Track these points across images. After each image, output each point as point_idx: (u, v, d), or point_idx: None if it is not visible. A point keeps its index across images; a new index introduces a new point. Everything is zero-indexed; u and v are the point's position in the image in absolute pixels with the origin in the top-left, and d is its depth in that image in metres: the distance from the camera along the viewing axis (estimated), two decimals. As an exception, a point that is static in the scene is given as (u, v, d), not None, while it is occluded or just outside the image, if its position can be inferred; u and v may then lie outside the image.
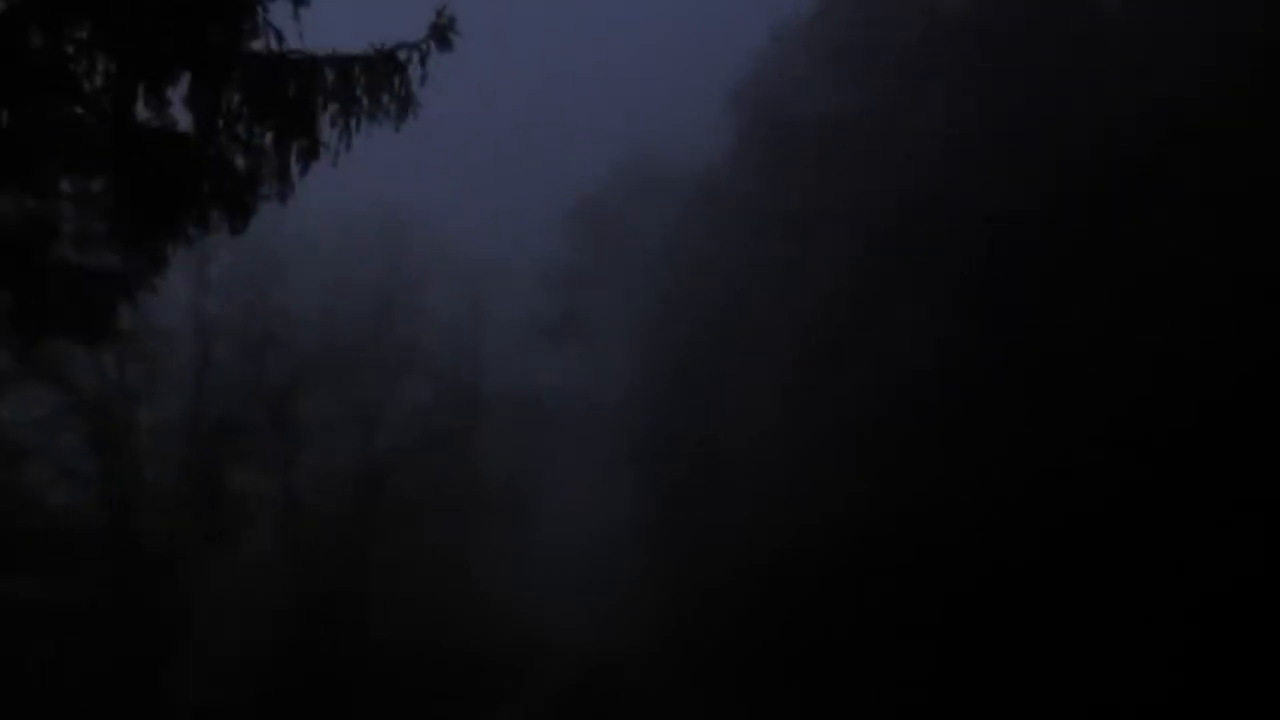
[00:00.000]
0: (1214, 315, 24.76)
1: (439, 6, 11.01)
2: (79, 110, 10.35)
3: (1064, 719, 25.92)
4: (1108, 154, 26.95)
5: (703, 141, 38.36)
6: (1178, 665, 24.19)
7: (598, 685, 35.99)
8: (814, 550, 29.71)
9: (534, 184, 43.96)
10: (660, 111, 41.37)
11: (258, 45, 10.52)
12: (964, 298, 29.05)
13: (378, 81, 10.76)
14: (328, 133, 10.77)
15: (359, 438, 38.71)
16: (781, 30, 37.13)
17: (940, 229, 29.73)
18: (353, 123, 10.74)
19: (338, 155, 10.88)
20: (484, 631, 36.22)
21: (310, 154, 10.77)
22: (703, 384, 37.00)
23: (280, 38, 10.59)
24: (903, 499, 28.03)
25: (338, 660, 35.17)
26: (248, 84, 10.48)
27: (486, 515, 38.77)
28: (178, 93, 10.43)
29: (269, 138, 10.63)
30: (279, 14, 10.63)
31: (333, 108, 10.70)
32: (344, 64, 10.79)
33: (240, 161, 10.70)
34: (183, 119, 10.61)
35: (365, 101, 10.75)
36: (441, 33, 10.96)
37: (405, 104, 10.88)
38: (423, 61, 10.89)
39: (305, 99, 10.63)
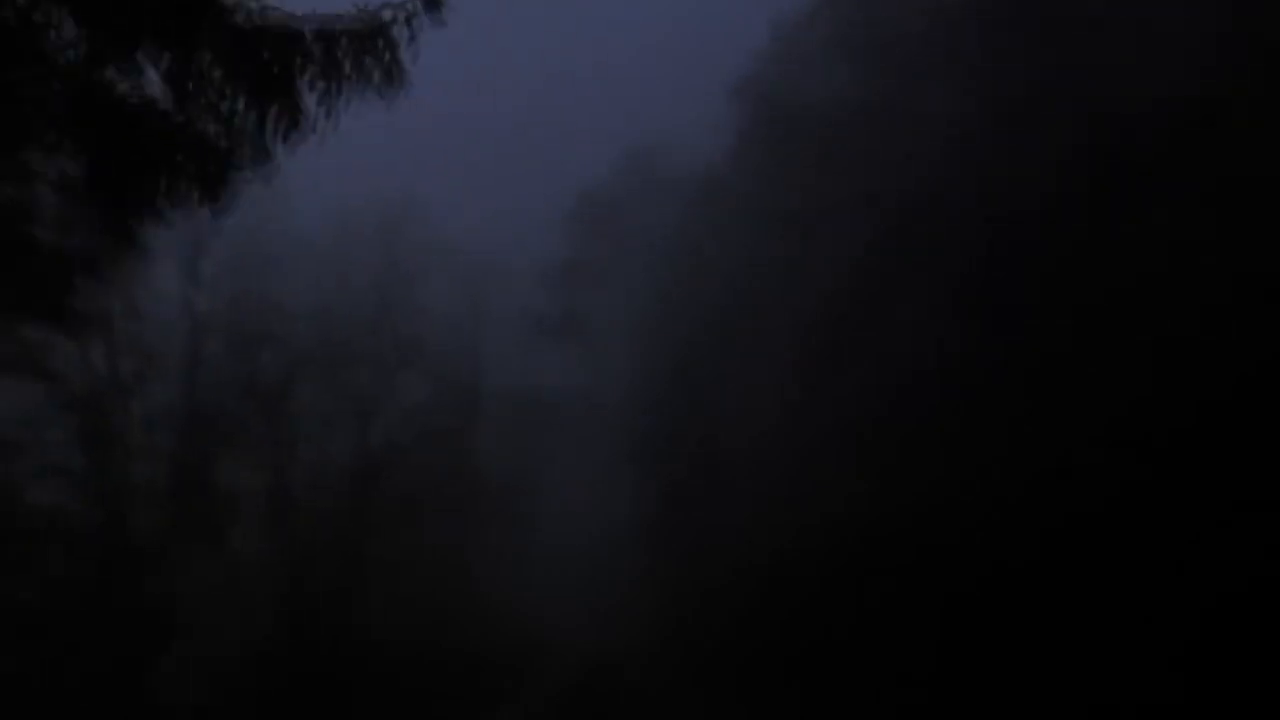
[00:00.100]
0: (1214, 315, 24.71)
1: None
2: (46, 79, 9.79)
3: (1064, 719, 25.91)
4: (1108, 153, 26.93)
5: (703, 140, 38.29)
6: (1178, 665, 24.15)
7: (598, 685, 35.91)
8: (814, 550, 29.67)
9: (534, 182, 43.95)
10: (660, 111, 41.32)
11: (231, 3, 9.98)
12: (964, 298, 29.03)
13: (361, 44, 10.17)
14: (309, 102, 10.18)
15: (355, 434, 38.59)
16: (781, 28, 37.14)
17: (940, 229, 29.71)
18: (334, 87, 10.14)
19: (322, 131, 10.24)
20: (484, 631, 36.05)
21: (291, 123, 10.15)
22: (703, 384, 36.97)
23: None
24: (903, 499, 27.98)
25: (335, 659, 35.09)
26: (220, 46, 9.91)
27: (486, 515, 38.73)
28: (148, 60, 9.89)
29: (242, 102, 10.04)
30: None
31: (312, 70, 10.11)
32: (324, 24, 10.22)
33: (214, 130, 10.11)
34: (154, 89, 10.05)
35: (348, 66, 10.16)
36: None
37: (392, 72, 10.28)
38: (409, 23, 10.27)
39: (283, 62, 10.03)
